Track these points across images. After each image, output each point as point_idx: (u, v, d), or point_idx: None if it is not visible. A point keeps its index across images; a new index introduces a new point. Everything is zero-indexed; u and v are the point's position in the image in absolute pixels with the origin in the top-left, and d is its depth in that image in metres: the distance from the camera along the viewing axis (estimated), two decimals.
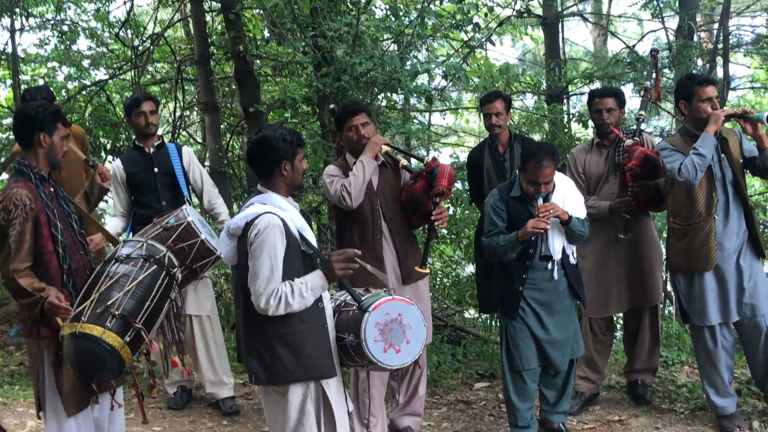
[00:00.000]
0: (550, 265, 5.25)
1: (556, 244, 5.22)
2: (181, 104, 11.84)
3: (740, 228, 5.39)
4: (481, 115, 6.45)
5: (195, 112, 13.30)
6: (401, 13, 8.88)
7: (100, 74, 13.05)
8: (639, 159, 5.72)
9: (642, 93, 6.36)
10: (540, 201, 5.09)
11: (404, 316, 4.00)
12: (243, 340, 4.09)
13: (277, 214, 3.91)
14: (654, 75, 6.38)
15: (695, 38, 11.77)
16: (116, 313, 4.12)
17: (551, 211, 5.03)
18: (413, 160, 5.72)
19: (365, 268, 4.10)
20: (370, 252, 5.32)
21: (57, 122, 4.38)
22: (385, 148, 5.47)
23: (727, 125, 5.47)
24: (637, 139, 5.93)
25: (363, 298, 4.04)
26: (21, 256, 4.10)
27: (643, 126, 6.23)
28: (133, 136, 6.67)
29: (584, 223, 5.27)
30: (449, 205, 9.41)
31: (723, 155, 5.37)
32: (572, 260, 5.36)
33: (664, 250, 6.17)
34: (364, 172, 5.23)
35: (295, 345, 3.91)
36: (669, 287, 7.58)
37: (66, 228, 4.38)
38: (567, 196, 5.26)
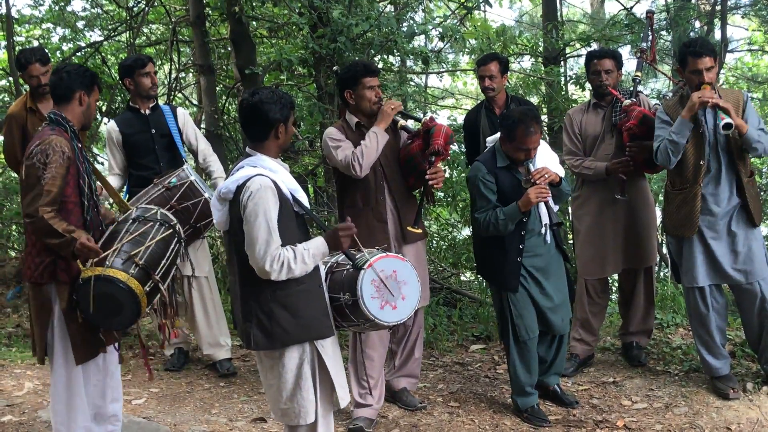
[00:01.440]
0: (543, 230, 5.26)
1: (547, 207, 5.23)
2: (177, 66, 11.76)
3: (731, 196, 5.38)
4: (478, 77, 6.42)
5: (190, 74, 13.22)
6: None
7: (95, 36, 12.96)
8: (637, 118, 5.71)
9: (638, 54, 6.34)
10: (531, 167, 5.08)
11: (399, 273, 4.01)
12: (240, 305, 4.07)
13: (267, 175, 3.89)
14: (650, 36, 6.36)
15: (693, 0, 11.69)
16: (140, 262, 4.23)
17: (546, 176, 5.02)
18: (412, 121, 5.71)
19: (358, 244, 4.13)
20: (373, 213, 5.33)
21: (94, 85, 4.55)
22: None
23: (735, 88, 5.43)
24: (635, 99, 5.93)
25: (357, 257, 4.04)
26: (51, 198, 4.20)
27: (639, 87, 6.22)
28: (128, 98, 6.61)
29: (567, 181, 5.32)
30: (446, 167, 9.40)
31: (714, 112, 5.33)
32: (555, 219, 5.38)
33: (659, 212, 6.19)
34: (377, 144, 5.21)
35: (294, 306, 3.91)
36: (664, 249, 7.61)
37: (89, 184, 4.50)
38: (547, 160, 5.26)
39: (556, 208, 5.39)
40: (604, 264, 6.11)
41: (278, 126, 3.99)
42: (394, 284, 3.99)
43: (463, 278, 9.95)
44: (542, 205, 5.16)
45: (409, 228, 5.34)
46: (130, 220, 4.48)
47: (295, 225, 3.98)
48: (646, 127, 5.70)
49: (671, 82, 7.99)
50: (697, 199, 5.35)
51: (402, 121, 5.46)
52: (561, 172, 5.30)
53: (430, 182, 5.23)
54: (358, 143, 5.30)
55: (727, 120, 5.02)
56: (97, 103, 4.60)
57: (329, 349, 4.05)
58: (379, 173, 5.36)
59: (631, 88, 6.11)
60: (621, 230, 6.05)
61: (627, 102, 5.85)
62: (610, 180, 5.94)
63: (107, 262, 4.18)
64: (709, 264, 5.42)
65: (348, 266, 4.06)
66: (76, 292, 4.27)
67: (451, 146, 5.48)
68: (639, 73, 6.32)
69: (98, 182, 4.78)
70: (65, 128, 4.39)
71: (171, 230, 4.53)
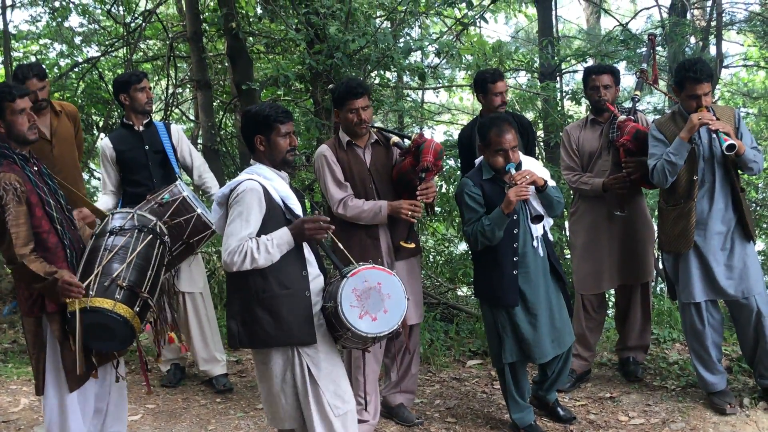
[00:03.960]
0: (535, 243, 5.21)
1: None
2: (174, 81, 11.79)
3: (726, 210, 5.38)
4: (484, 94, 6.26)
5: (187, 90, 13.24)
6: None
7: (92, 51, 12.99)
8: (630, 134, 5.73)
9: (638, 74, 6.36)
10: (513, 171, 5.06)
11: (383, 286, 4.04)
12: (227, 304, 4.24)
13: (258, 180, 4.07)
14: (651, 58, 6.38)
15: (688, 16, 11.74)
16: (123, 284, 4.14)
17: (527, 177, 5.00)
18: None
19: (337, 243, 4.24)
20: (365, 231, 5.34)
21: (3, 102, 4.26)
22: (377, 124, 5.51)
23: (730, 103, 5.43)
24: (631, 117, 5.94)
25: (346, 267, 4.12)
26: (22, 240, 4.09)
27: (637, 105, 6.24)
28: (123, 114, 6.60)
29: (558, 189, 5.28)
30: (442, 183, 9.41)
31: (715, 135, 5.35)
32: (549, 236, 5.35)
33: (655, 228, 6.20)
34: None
35: (275, 309, 4.04)
36: (660, 265, 7.62)
37: (56, 204, 4.37)
38: (533, 167, 5.23)
39: (550, 222, 5.37)
40: (601, 279, 6.11)
41: (256, 138, 4.21)
42: (377, 296, 4.01)
43: (459, 293, 9.94)
44: (533, 209, 5.14)
45: (401, 243, 5.35)
46: (107, 233, 4.36)
47: None
48: (640, 141, 5.72)
49: (669, 99, 8.03)
50: (692, 215, 5.36)
51: (395, 138, 5.49)
52: (547, 177, 5.27)
53: (421, 198, 5.26)
54: (348, 161, 5.36)
55: (731, 141, 5.03)
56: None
57: (318, 358, 4.13)
58: (371, 191, 5.38)
59: (628, 105, 6.13)
60: (617, 246, 6.06)
61: (621, 117, 5.87)
62: (607, 196, 5.95)
63: (90, 291, 4.09)
64: (705, 279, 5.42)
65: (337, 276, 4.11)
66: (67, 324, 4.18)
67: (442, 161, 5.48)
68: (638, 93, 6.34)
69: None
70: (13, 159, 4.24)
71: (151, 235, 4.44)
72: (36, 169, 4.38)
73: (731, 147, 5.04)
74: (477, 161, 5.42)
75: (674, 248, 5.50)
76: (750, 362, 5.66)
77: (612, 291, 6.67)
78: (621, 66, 11.25)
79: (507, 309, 5.17)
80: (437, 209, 9.63)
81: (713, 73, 5.47)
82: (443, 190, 9.61)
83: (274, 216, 4.08)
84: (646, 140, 5.65)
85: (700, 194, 5.37)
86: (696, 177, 5.33)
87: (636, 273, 6.12)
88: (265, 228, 4.04)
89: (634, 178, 5.83)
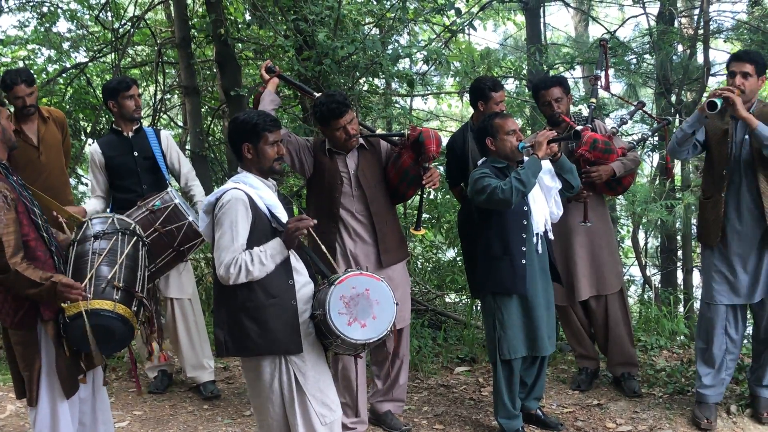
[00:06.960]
0: (535, 239, 5.20)
1: (539, 216, 5.20)
2: (162, 87, 11.77)
3: (753, 214, 5.29)
4: (484, 102, 6.21)
5: (176, 96, 13.23)
6: None
7: (80, 57, 12.97)
8: (588, 144, 5.70)
9: (592, 81, 6.37)
10: (527, 143, 5.09)
11: (371, 292, 4.03)
12: (214, 312, 4.23)
13: (243, 189, 4.06)
14: (604, 64, 6.39)
15: (676, 24, 11.79)
16: (119, 285, 4.14)
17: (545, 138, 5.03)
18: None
19: (317, 240, 4.24)
20: (323, 239, 5.24)
21: None
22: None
23: None
24: (589, 125, 5.92)
25: (335, 274, 4.12)
26: (12, 249, 3.99)
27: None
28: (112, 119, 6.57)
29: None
30: (430, 190, 9.42)
31: (747, 137, 5.29)
32: (551, 235, 5.36)
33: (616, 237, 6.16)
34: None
35: (261, 318, 4.03)
36: (648, 272, 7.63)
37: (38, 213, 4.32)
38: None
39: (549, 224, 5.35)
40: (575, 290, 6.08)
41: (243, 146, 4.19)
42: (366, 302, 4.01)
43: (447, 300, 9.95)
44: (535, 214, 5.15)
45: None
46: (91, 238, 4.32)
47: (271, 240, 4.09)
48: (598, 150, 5.71)
49: (629, 105, 8.05)
50: (720, 207, 5.32)
51: (379, 131, 5.52)
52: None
53: (428, 185, 5.30)
54: (324, 167, 5.37)
55: (715, 100, 5.03)
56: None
57: (305, 366, 4.13)
58: (336, 201, 5.34)
59: (587, 115, 6.13)
60: (585, 255, 6.05)
61: (578, 128, 5.83)
62: (570, 207, 5.91)
63: (88, 294, 4.06)
64: (727, 282, 5.38)
65: (326, 284, 4.12)
66: (64, 330, 4.12)
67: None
68: (594, 100, 6.30)
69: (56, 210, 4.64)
70: None
71: (135, 237, 4.44)
72: (15, 178, 4.32)
73: (711, 105, 5.03)
74: (480, 162, 5.38)
75: (705, 240, 5.52)
76: (756, 359, 5.59)
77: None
78: (610, 73, 11.28)
79: (508, 301, 5.18)
80: (425, 215, 9.64)
81: (765, 62, 5.41)
82: (431, 196, 9.62)
83: (261, 225, 4.06)
84: (605, 149, 5.67)
85: (732, 191, 5.33)
86: (726, 171, 5.31)
87: (604, 283, 6.09)
88: (252, 237, 4.02)
89: (599, 184, 5.85)
